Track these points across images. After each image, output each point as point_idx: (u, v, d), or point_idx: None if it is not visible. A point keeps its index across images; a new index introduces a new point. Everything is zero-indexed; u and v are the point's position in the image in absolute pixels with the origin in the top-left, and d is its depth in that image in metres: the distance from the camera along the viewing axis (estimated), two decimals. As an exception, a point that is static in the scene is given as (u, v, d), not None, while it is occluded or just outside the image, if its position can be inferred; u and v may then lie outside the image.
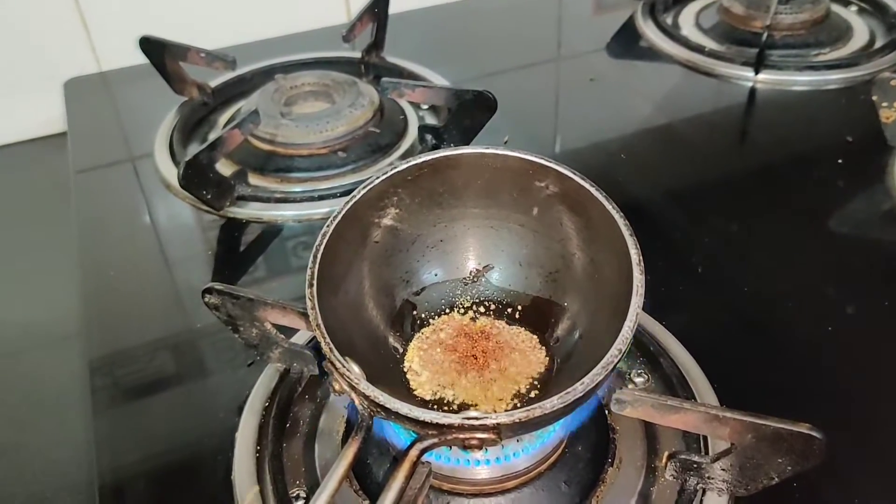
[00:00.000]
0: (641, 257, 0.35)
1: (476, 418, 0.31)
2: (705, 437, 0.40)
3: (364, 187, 0.38)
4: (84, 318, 0.51)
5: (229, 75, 0.72)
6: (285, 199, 0.58)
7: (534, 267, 0.42)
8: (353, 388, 0.33)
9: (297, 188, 0.59)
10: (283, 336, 0.43)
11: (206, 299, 0.42)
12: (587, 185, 0.38)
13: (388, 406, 0.32)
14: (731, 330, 0.48)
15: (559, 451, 0.39)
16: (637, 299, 0.34)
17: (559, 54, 0.84)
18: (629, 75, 0.78)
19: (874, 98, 0.56)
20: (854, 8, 0.82)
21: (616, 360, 0.32)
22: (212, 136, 0.57)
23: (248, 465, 0.40)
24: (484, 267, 0.43)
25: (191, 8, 0.79)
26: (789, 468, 0.35)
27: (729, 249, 0.54)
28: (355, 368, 0.33)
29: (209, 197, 0.55)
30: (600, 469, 0.39)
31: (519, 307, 0.42)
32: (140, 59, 0.69)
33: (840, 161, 0.59)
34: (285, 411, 0.43)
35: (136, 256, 0.57)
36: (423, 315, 0.42)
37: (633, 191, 0.60)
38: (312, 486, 0.40)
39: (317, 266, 0.36)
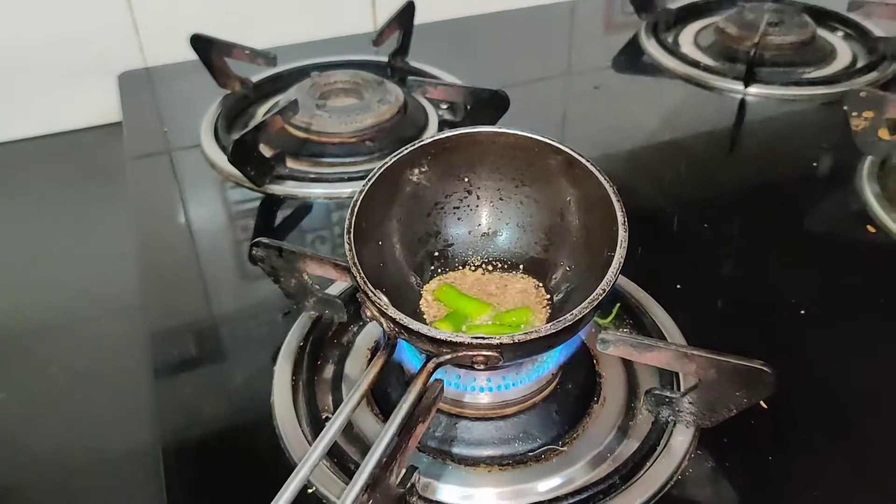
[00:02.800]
0: (626, 218, 0.42)
1: (483, 338, 0.38)
2: (678, 378, 0.46)
3: (396, 155, 0.45)
4: (142, 289, 0.57)
5: (269, 72, 0.79)
6: (318, 179, 0.65)
7: (536, 231, 0.49)
8: (381, 312, 0.40)
9: (329, 171, 0.66)
10: (317, 287, 0.50)
11: (254, 252, 0.49)
12: (584, 161, 0.45)
13: (410, 327, 0.38)
14: (708, 300, 0.55)
15: (552, 386, 0.45)
16: (620, 251, 0.41)
17: (570, 69, 0.91)
18: (632, 88, 0.85)
19: (845, 108, 0.62)
20: (840, 33, 0.89)
21: (600, 298, 0.39)
22: (252, 125, 0.64)
23: (285, 392, 0.47)
24: (492, 232, 0.50)
25: (233, 12, 0.86)
26: (745, 400, 0.41)
27: (713, 237, 0.60)
28: (384, 298, 0.40)
29: (252, 173, 0.62)
30: (587, 405, 0.46)
31: (521, 265, 0.49)
32: (183, 56, 0.77)
33: (815, 164, 0.67)
34: (317, 351, 0.50)
35: (186, 232, 0.63)
36: (439, 270, 0.49)
37: (633, 186, 0.66)
38: (338, 408, 0.46)
39: (354, 217, 0.42)
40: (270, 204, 0.65)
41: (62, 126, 0.85)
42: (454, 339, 0.38)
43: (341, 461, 0.42)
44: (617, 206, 0.43)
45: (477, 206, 0.49)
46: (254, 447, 0.45)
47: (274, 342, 0.50)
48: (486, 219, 0.50)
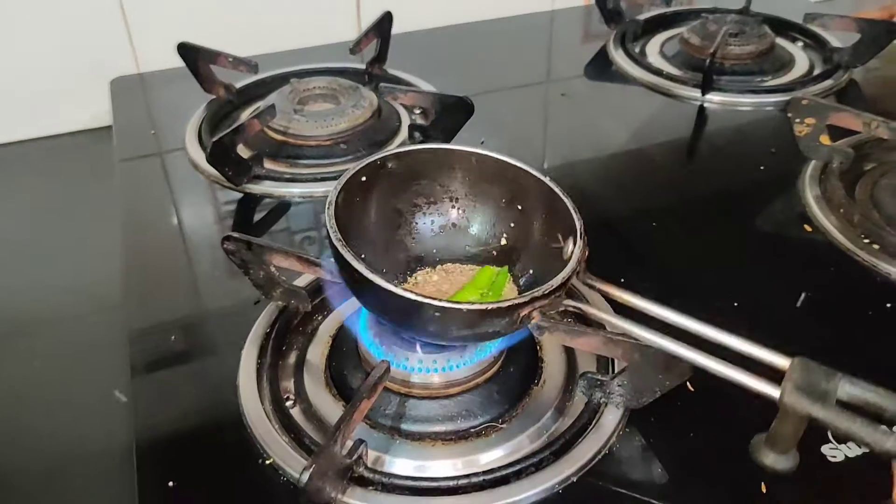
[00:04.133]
0: (583, 227, 0.46)
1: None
2: (612, 363, 0.50)
3: (371, 159, 0.50)
4: (124, 286, 0.60)
5: (251, 78, 0.83)
6: (294, 179, 0.69)
7: (500, 230, 0.53)
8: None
9: (305, 171, 0.70)
10: (284, 278, 0.54)
11: (225, 245, 0.53)
12: (543, 178, 0.49)
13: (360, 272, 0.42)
14: (650, 292, 0.58)
15: (495, 368, 0.49)
16: (578, 251, 0.46)
17: (548, 77, 0.95)
18: (600, 95, 0.89)
19: (789, 115, 0.66)
20: (799, 43, 0.93)
21: (566, 279, 0.44)
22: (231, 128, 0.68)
23: (250, 375, 0.50)
24: (459, 233, 0.53)
25: (220, 21, 0.90)
26: (668, 382, 0.45)
27: (661, 235, 0.64)
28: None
29: (230, 173, 0.66)
30: (527, 387, 0.50)
31: (488, 261, 0.53)
32: (172, 63, 0.81)
33: (762, 168, 0.70)
34: (282, 338, 0.54)
35: (169, 231, 0.67)
36: (409, 272, 0.53)
37: (589, 187, 0.70)
38: (299, 392, 0.50)
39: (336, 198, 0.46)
40: (248, 202, 0.69)
41: (55, 129, 0.89)
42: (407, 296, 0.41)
43: (298, 437, 0.46)
44: (575, 216, 0.47)
45: (443, 210, 0.53)
46: (220, 426, 0.49)
47: (244, 331, 0.54)
48: (452, 221, 0.53)
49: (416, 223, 0.53)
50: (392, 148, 0.52)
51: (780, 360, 0.43)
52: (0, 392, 0.59)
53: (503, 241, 0.53)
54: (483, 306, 0.41)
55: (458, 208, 0.53)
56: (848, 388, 0.41)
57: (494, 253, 0.53)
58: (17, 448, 0.55)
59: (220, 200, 0.70)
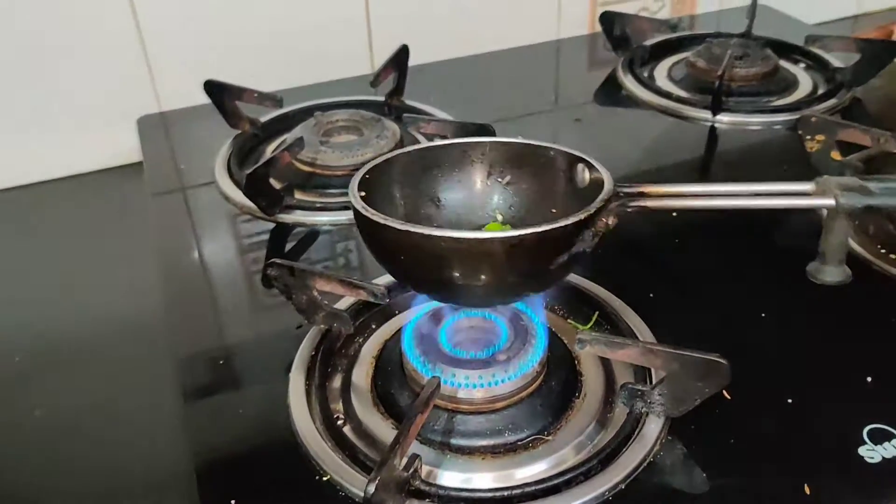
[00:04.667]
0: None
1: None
2: (650, 373, 0.52)
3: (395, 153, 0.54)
4: (167, 318, 0.62)
5: (276, 112, 0.85)
6: (323, 208, 0.71)
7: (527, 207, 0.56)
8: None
9: (333, 200, 0.72)
10: (326, 302, 0.56)
11: (269, 271, 0.55)
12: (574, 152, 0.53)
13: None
14: (678, 306, 0.61)
15: (537, 383, 0.51)
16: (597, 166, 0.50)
17: (556, 104, 0.98)
18: (611, 119, 0.92)
19: (800, 132, 0.69)
20: (802, 64, 0.96)
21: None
22: (263, 160, 0.70)
23: (300, 398, 0.52)
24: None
25: (232, 60, 0.92)
26: (707, 390, 0.46)
27: (683, 251, 0.66)
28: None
29: (264, 204, 0.68)
30: (569, 400, 0.51)
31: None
32: (193, 101, 0.84)
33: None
34: (327, 361, 0.55)
35: (205, 262, 0.69)
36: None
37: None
38: (348, 412, 0.52)
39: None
40: (281, 231, 0.71)
41: (84, 167, 0.92)
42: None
43: (352, 453, 0.48)
44: (574, 152, 0.52)
45: (473, 190, 0.56)
46: (275, 446, 0.50)
47: (289, 355, 0.56)
48: (482, 200, 0.56)
49: (441, 205, 0.56)
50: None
51: (804, 186, 0.49)
52: (48, 425, 0.60)
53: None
54: (575, 218, 0.44)
55: (479, 193, 0.56)
56: (876, 184, 0.48)
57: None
58: (65, 480, 0.56)
59: (252, 231, 0.72)
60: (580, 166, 0.52)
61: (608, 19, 0.98)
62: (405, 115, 0.76)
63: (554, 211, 0.53)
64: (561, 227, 0.44)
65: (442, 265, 0.45)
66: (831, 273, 0.56)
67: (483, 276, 0.45)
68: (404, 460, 0.44)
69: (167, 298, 0.64)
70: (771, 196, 0.49)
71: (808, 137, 0.68)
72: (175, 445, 0.54)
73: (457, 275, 0.45)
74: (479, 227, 0.55)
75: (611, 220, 0.48)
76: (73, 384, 0.63)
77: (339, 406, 0.53)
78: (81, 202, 0.88)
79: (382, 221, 0.45)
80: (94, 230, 0.82)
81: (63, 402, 0.61)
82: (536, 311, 0.53)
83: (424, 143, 0.55)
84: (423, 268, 0.47)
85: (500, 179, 0.56)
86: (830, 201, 0.47)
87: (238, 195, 0.73)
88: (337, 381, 0.55)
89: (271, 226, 0.71)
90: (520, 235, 0.43)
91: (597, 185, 0.50)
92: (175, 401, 0.55)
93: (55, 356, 0.66)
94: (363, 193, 0.49)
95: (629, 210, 0.49)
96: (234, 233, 0.72)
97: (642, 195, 0.50)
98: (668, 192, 0.51)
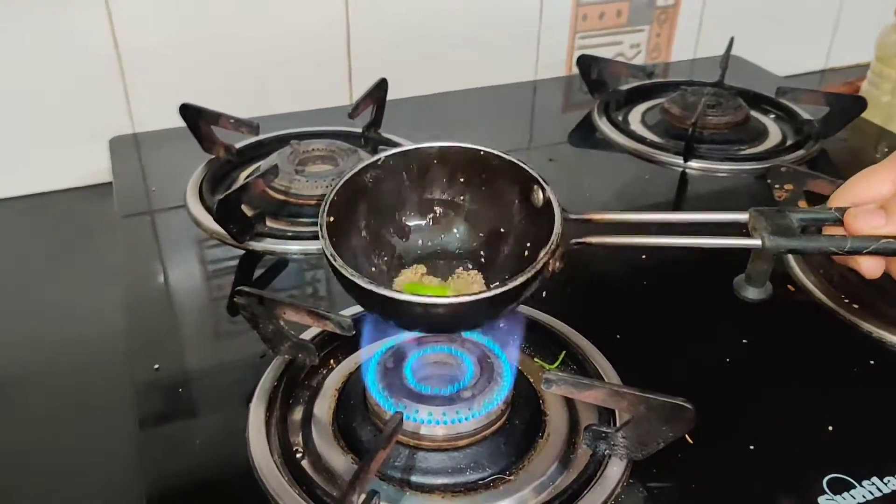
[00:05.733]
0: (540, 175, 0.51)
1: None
2: (615, 414, 0.52)
3: (361, 165, 0.54)
4: (127, 342, 0.61)
5: (252, 139, 0.85)
6: (295, 237, 0.70)
7: (481, 231, 0.57)
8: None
9: (305, 229, 0.72)
10: (293, 332, 0.55)
11: (236, 299, 0.54)
12: (521, 164, 0.53)
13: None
14: (644, 348, 0.61)
15: (501, 422, 0.50)
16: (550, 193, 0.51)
17: (531, 143, 0.99)
18: (585, 160, 0.93)
19: (769, 181, 0.70)
20: (772, 115, 0.98)
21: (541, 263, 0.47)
22: (236, 186, 0.70)
23: (259, 428, 0.51)
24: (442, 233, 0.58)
25: (212, 84, 0.93)
26: (671, 434, 0.46)
27: (651, 294, 0.67)
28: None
29: (235, 231, 0.68)
30: (533, 440, 0.51)
31: (468, 261, 0.57)
32: (168, 123, 0.83)
33: (744, 231, 0.73)
34: (289, 392, 0.54)
35: (170, 286, 0.68)
36: (394, 272, 0.56)
37: (584, 249, 0.73)
38: (307, 445, 0.51)
39: (326, 208, 0.51)
40: (250, 258, 0.70)
41: (52, 185, 0.91)
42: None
43: (309, 489, 0.47)
44: (529, 169, 0.53)
45: (432, 212, 0.57)
46: (231, 479, 0.49)
47: (250, 385, 0.55)
48: (440, 222, 0.58)
49: (402, 226, 0.57)
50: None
51: (740, 216, 0.53)
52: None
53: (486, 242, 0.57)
54: (523, 277, 0.46)
55: (439, 205, 0.57)
56: (797, 216, 0.51)
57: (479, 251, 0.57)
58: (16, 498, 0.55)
59: (221, 256, 0.71)
60: (536, 188, 0.53)
61: (585, 63, 0.99)
62: (380, 146, 0.76)
63: (503, 231, 0.56)
64: (509, 288, 0.46)
65: (399, 315, 0.49)
66: (753, 292, 0.64)
67: (438, 324, 0.49)
68: (362, 497, 0.43)
69: (129, 322, 0.63)
70: (706, 236, 0.52)
71: (777, 186, 0.69)
72: (127, 474, 0.53)
73: (413, 322, 0.50)
74: (442, 254, 0.58)
75: (558, 266, 0.49)
76: (25, 408, 0.61)
77: (299, 439, 0.52)
78: (48, 220, 0.87)
79: (349, 277, 0.47)
80: (59, 249, 0.81)
81: (11, 428, 0.60)
82: (506, 349, 0.53)
83: (380, 154, 0.55)
84: (385, 313, 0.50)
85: (460, 195, 0.57)
86: (757, 243, 0.51)
87: (208, 220, 0.72)
88: (298, 413, 0.54)
89: (240, 252, 0.71)
90: (468, 302, 0.45)
91: (549, 207, 0.51)
92: (131, 428, 0.53)
93: (8, 378, 0.64)
94: (331, 219, 0.50)
95: (574, 247, 0.51)
96: (202, 258, 0.71)
97: (589, 223, 0.53)
98: (612, 219, 0.54)
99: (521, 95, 1.09)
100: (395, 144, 0.86)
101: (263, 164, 0.77)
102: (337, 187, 0.52)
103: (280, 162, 0.76)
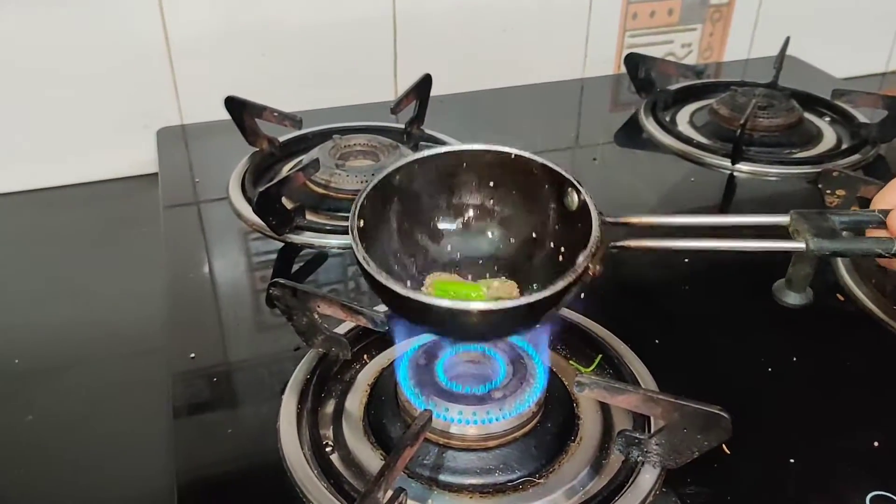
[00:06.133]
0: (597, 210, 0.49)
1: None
2: (649, 421, 0.51)
3: (392, 167, 0.53)
4: (167, 331, 0.62)
5: (295, 133, 0.86)
6: (333, 231, 0.71)
7: (517, 238, 0.55)
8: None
9: (344, 223, 0.71)
10: (326, 325, 0.55)
11: (271, 291, 0.54)
12: (559, 169, 0.52)
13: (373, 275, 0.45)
14: (683, 355, 0.59)
15: (532, 423, 0.50)
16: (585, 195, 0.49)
17: (577, 142, 0.97)
18: (630, 161, 0.92)
19: (820, 186, 0.68)
20: (827, 118, 0.95)
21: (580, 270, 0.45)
22: (276, 179, 0.70)
23: (290, 420, 0.51)
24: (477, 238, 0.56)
25: (261, 78, 0.94)
26: (706, 443, 0.45)
27: (692, 299, 0.65)
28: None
29: (274, 223, 0.68)
30: (565, 443, 0.50)
31: (501, 269, 0.55)
32: (215, 116, 0.84)
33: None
34: (321, 385, 0.54)
35: (211, 277, 0.69)
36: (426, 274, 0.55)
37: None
38: (338, 439, 0.51)
39: (357, 210, 0.49)
40: (289, 251, 0.70)
41: (100, 175, 0.92)
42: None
43: (337, 482, 0.47)
44: (563, 172, 0.52)
45: (463, 216, 0.56)
46: (260, 469, 0.49)
47: (284, 377, 0.55)
48: (471, 227, 0.56)
49: (437, 229, 0.56)
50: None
51: (780, 218, 0.51)
52: (40, 426, 0.60)
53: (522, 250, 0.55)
54: (563, 283, 0.44)
55: (470, 210, 0.56)
56: (839, 219, 0.50)
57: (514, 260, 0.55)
58: (55, 487, 0.56)
59: (261, 249, 0.72)
60: (570, 190, 0.51)
61: (633, 61, 0.98)
62: (422, 143, 0.76)
63: (536, 236, 0.54)
64: (549, 294, 0.44)
65: (430, 319, 0.46)
66: (793, 297, 0.63)
67: (470, 331, 0.46)
68: (389, 493, 0.43)
69: (170, 311, 0.64)
70: (747, 239, 0.51)
71: (829, 192, 0.67)
72: (160, 460, 0.53)
73: (449, 328, 0.47)
74: (474, 258, 0.56)
75: (598, 270, 0.47)
76: (68, 391, 0.63)
77: (329, 433, 0.52)
78: (94, 209, 0.88)
79: (383, 281, 0.45)
80: (105, 238, 0.83)
81: (55, 409, 0.61)
82: (539, 350, 0.52)
83: (412, 156, 0.54)
84: (419, 319, 0.48)
85: (490, 200, 0.55)
86: (801, 245, 0.49)
87: (250, 212, 0.73)
88: (329, 407, 0.54)
89: (280, 245, 0.71)
90: (508, 308, 0.43)
91: (585, 210, 0.49)
92: (166, 415, 0.54)
93: (54, 361, 0.66)
94: (362, 223, 0.49)
95: (613, 251, 0.49)
96: (244, 250, 0.72)
97: (627, 227, 0.51)
98: (650, 222, 0.52)
99: (567, 93, 1.08)
100: (438, 141, 0.86)
101: (305, 158, 0.78)
102: (366, 191, 0.51)
103: (321, 156, 0.76)
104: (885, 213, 0.50)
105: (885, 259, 0.49)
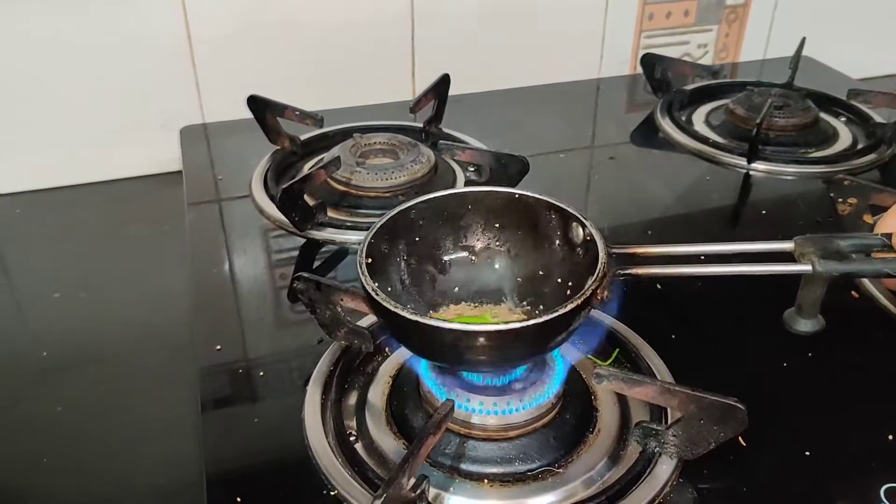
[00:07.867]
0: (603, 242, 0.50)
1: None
2: (666, 413, 0.52)
3: (399, 207, 0.55)
4: (192, 325, 0.64)
5: (316, 132, 0.87)
6: (354, 227, 0.72)
7: (525, 272, 0.57)
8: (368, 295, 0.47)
9: (364, 220, 0.73)
10: (349, 318, 0.57)
11: (295, 285, 0.56)
12: (563, 205, 0.53)
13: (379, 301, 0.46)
14: (700, 349, 0.60)
15: (552, 415, 0.51)
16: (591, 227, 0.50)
17: (593, 142, 0.98)
18: (647, 160, 0.92)
19: (831, 195, 0.68)
20: (843, 118, 0.96)
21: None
22: (299, 177, 0.72)
23: (315, 410, 0.52)
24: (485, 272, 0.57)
25: (282, 78, 0.95)
26: (722, 434, 0.46)
27: (707, 295, 0.66)
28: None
29: (297, 219, 0.69)
30: (583, 434, 0.51)
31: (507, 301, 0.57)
32: (236, 114, 0.86)
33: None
34: (344, 377, 0.56)
35: (235, 273, 0.70)
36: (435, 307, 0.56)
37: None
38: (361, 429, 0.52)
39: (364, 251, 0.51)
40: (311, 247, 0.72)
41: (123, 173, 0.94)
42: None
43: (361, 470, 0.48)
44: (570, 209, 0.52)
45: (470, 254, 0.57)
46: (286, 459, 0.51)
47: (308, 369, 0.56)
48: (478, 264, 0.57)
49: (445, 264, 0.57)
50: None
51: (786, 245, 0.52)
52: (69, 417, 0.61)
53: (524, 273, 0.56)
54: (572, 304, 0.45)
55: (477, 250, 0.57)
56: (845, 242, 0.51)
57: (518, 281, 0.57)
58: (83, 476, 0.57)
59: (283, 246, 0.73)
60: (575, 225, 0.52)
61: (649, 62, 0.99)
62: (441, 142, 0.77)
63: (542, 271, 0.55)
64: (557, 315, 0.44)
65: (439, 346, 0.46)
66: (804, 324, 0.60)
67: (478, 356, 0.46)
68: (412, 480, 0.44)
69: (195, 306, 0.66)
70: (752, 263, 0.52)
71: (840, 200, 0.67)
72: (187, 451, 0.55)
73: (452, 353, 0.47)
74: (481, 294, 0.57)
75: (606, 295, 0.48)
76: (96, 384, 0.64)
77: (353, 423, 0.53)
78: (117, 206, 0.90)
79: (392, 309, 0.46)
80: (129, 235, 0.84)
81: (84, 401, 0.63)
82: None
83: (414, 200, 0.56)
84: (428, 347, 0.48)
85: (496, 240, 0.57)
86: (808, 268, 0.50)
87: (272, 209, 0.75)
88: (353, 398, 0.55)
89: (302, 241, 0.73)
90: (516, 329, 0.44)
91: (591, 242, 0.51)
92: (192, 407, 0.56)
93: (81, 355, 0.67)
94: (370, 260, 0.51)
95: (621, 279, 0.50)
96: (266, 246, 0.74)
97: (633, 256, 0.52)
98: (655, 252, 0.53)
99: (584, 93, 1.09)
100: (456, 140, 0.87)
101: (326, 156, 0.79)
102: (374, 230, 0.53)
103: (342, 154, 0.77)
104: (888, 236, 0.51)
105: (893, 280, 0.50)
